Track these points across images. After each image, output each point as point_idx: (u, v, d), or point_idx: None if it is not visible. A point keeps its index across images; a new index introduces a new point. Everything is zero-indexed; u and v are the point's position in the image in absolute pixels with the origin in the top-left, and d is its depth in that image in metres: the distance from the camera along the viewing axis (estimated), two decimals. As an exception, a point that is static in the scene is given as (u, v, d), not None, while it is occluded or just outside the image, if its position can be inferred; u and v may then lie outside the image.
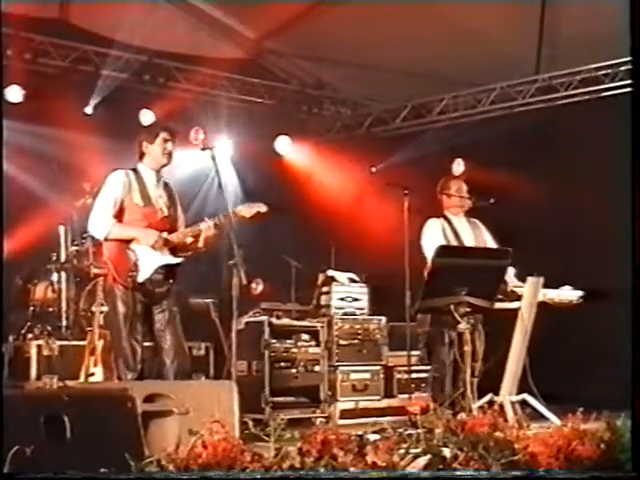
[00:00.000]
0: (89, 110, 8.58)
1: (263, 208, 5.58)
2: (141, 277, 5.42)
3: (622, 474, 3.40)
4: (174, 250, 5.56)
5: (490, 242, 6.90)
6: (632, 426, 3.53)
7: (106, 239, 5.49)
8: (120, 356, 5.45)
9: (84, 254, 7.43)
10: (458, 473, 3.08)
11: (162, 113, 8.66)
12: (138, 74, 8.73)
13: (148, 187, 5.60)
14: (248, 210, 5.53)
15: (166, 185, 5.73)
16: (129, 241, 5.48)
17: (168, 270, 5.51)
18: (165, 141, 5.59)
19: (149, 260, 5.46)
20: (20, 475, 2.71)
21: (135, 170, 5.64)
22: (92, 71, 8.54)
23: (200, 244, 5.50)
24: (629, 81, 8.27)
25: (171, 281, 5.54)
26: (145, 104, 8.79)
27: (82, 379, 6.46)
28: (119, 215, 5.53)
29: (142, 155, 5.65)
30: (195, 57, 9.02)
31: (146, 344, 5.54)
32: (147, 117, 8.80)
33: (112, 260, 5.50)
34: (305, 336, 7.71)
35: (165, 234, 5.51)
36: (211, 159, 5.60)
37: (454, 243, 6.67)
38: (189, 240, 5.53)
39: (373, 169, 9.71)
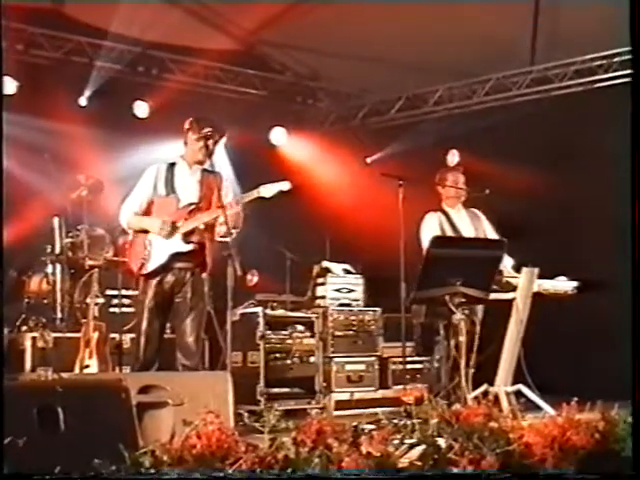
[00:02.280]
0: (83, 101, 8.55)
1: (286, 186, 5.55)
2: (151, 266, 5.48)
3: (622, 474, 3.41)
4: (191, 237, 5.53)
5: (490, 232, 6.90)
6: (632, 426, 3.54)
7: (129, 228, 5.68)
8: (135, 344, 5.62)
9: (79, 246, 7.42)
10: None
11: (156, 104, 8.64)
12: (132, 65, 8.69)
13: (176, 178, 5.63)
14: (268, 190, 5.49)
15: (207, 173, 5.69)
16: (147, 231, 5.57)
17: (185, 258, 5.52)
18: (207, 138, 5.56)
19: (161, 248, 5.50)
20: (20, 475, 2.71)
21: (172, 164, 5.69)
22: (86, 62, 8.50)
23: (225, 227, 5.35)
24: (623, 72, 8.30)
25: (191, 270, 5.55)
26: (139, 95, 8.77)
27: (77, 371, 6.46)
28: (149, 208, 5.63)
29: (185, 143, 5.69)
30: (189, 48, 8.98)
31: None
32: (141, 108, 8.79)
33: (132, 249, 5.65)
34: (300, 327, 7.71)
35: (159, 220, 5.52)
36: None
37: (452, 234, 6.67)
38: (202, 225, 5.48)
39: (368, 160, 9.75)
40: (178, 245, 5.52)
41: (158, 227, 5.50)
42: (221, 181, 5.70)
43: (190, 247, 5.53)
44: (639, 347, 3.57)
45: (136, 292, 5.97)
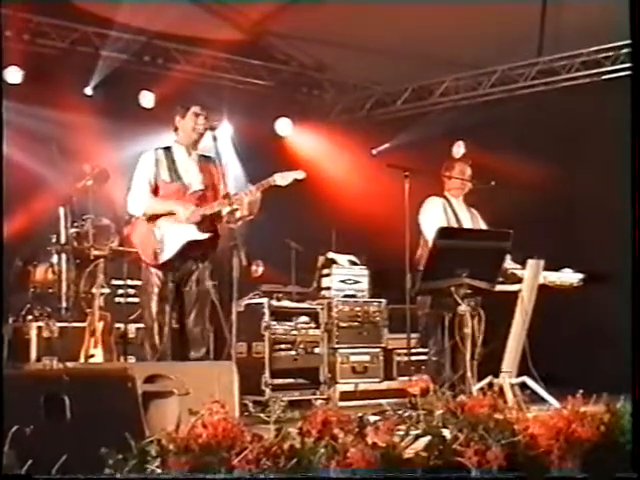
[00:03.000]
0: (89, 91, 8.55)
1: (301, 175, 5.55)
2: (166, 255, 5.46)
3: (622, 474, 3.41)
4: (205, 225, 5.53)
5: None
6: (633, 425, 3.54)
7: (145, 215, 5.56)
8: (147, 335, 5.55)
9: (84, 236, 7.43)
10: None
11: (162, 94, 8.64)
12: (138, 55, 8.69)
13: (178, 163, 5.63)
14: (284, 179, 5.49)
15: (205, 159, 5.71)
16: (156, 219, 5.52)
17: (197, 247, 5.52)
18: (196, 115, 5.60)
19: (175, 237, 5.48)
20: (20, 475, 2.71)
21: (167, 148, 5.67)
22: (92, 52, 8.50)
23: (245, 212, 5.41)
24: (630, 64, 8.27)
25: (201, 259, 5.56)
26: (145, 85, 8.77)
27: (82, 361, 6.48)
28: (155, 192, 5.61)
29: (176, 130, 5.70)
30: (195, 38, 8.97)
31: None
32: (147, 98, 8.78)
33: (139, 239, 5.61)
34: (305, 318, 7.72)
35: (192, 209, 5.50)
36: (212, 140, 5.58)
37: (453, 222, 6.67)
38: (226, 210, 5.40)
39: (374, 151, 9.73)
40: (194, 233, 5.50)
41: (187, 213, 5.46)
42: (217, 167, 5.68)
43: (207, 235, 5.52)
44: (639, 345, 3.56)
45: (141, 282, 5.94)
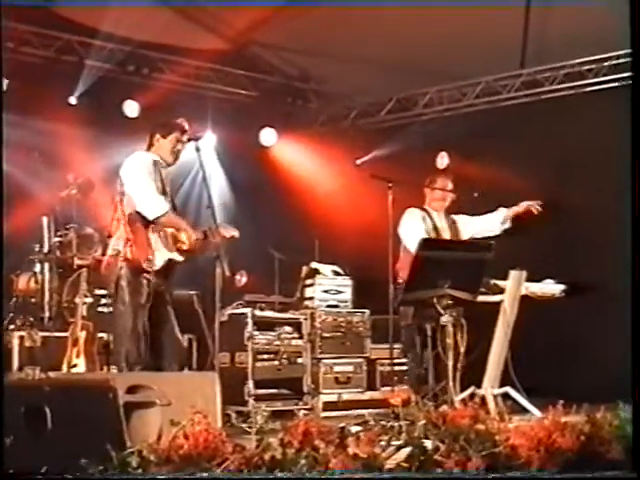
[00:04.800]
0: (73, 100, 8.54)
1: (236, 234, 5.60)
2: (154, 266, 5.40)
3: (622, 474, 3.44)
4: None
5: (465, 235, 6.93)
6: (632, 425, 3.57)
7: (158, 219, 5.38)
8: (123, 345, 5.44)
9: (67, 245, 7.41)
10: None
11: (146, 104, 8.63)
12: (122, 65, 8.68)
13: (165, 180, 5.57)
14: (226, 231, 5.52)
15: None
16: (147, 228, 5.41)
17: (172, 266, 5.51)
18: (177, 141, 5.55)
19: (161, 252, 5.44)
20: (20, 475, 2.71)
21: (154, 158, 5.56)
22: (76, 61, 8.49)
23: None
24: (613, 76, 8.35)
25: (172, 277, 5.56)
26: (129, 95, 8.77)
27: (64, 370, 6.45)
28: None
29: (150, 146, 5.60)
30: (179, 48, 8.98)
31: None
32: (131, 108, 8.78)
33: (133, 243, 5.42)
34: (288, 328, 7.72)
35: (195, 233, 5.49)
36: (195, 151, 5.57)
37: (432, 233, 6.70)
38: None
39: (358, 162, 9.75)
40: (175, 254, 5.49)
41: (195, 238, 5.44)
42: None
43: (182, 258, 5.53)
44: (639, 347, 3.59)
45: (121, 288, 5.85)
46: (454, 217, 6.95)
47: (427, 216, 6.81)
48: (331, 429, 3.15)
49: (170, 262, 5.46)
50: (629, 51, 7.84)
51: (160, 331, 5.51)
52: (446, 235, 6.79)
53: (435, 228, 6.78)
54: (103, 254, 7.30)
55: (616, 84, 8.36)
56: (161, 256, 5.43)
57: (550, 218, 8.36)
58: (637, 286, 3.61)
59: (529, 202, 6.80)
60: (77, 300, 6.84)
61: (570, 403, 3.90)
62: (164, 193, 5.52)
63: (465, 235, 6.92)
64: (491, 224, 6.91)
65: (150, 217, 5.39)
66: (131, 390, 4.16)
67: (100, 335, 6.94)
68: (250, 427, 3.07)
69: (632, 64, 3.92)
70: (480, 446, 3.21)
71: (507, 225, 6.91)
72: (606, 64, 8.39)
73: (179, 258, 5.50)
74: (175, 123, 5.64)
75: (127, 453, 2.77)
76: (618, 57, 8.27)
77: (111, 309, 7.01)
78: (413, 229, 6.58)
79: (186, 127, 5.65)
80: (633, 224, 3.66)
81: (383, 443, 3.27)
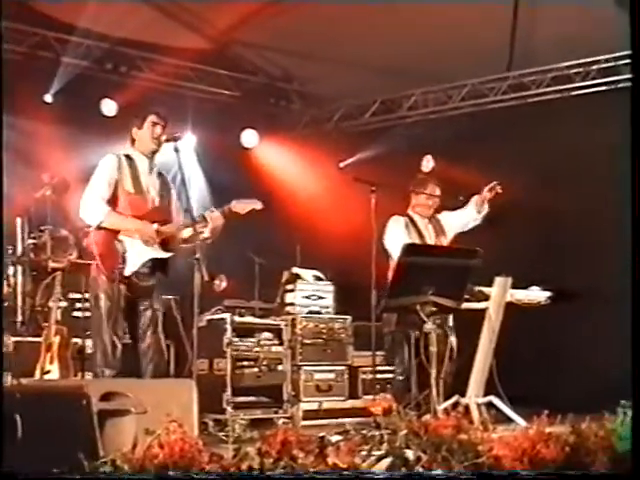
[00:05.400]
0: (49, 98, 8.49)
1: (258, 206, 5.58)
2: (128, 270, 5.40)
3: (622, 474, 3.45)
4: (165, 243, 5.51)
5: (451, 231, 6.96)
6: (632, 425, 3.59)
7: (99, 227, 5.42)
8: (99, 351, 5.43)
9: (42, 247, 7.37)
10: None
11: (124, 102, 8.60)
12: (100, 62, 8.65)
13: (140, 174, 5.57)
14: (241, 208, 5.51)
15: (160, 174, 5.69)
16: (118, 231, 5.43)
17: (156, 265, 5.49)
18: (154, 125, 5.57)
19: (138, 253, 5.43)
20: (20, 475, 2.69)
21: (128, 156, 5.60)
22: (52, 58, 8.45)
23: (207, 234, 5.43)
24: (601, 80, 8.40)
25: (158, 276, 5.52)
26: (107, 93, 8.73)
27: (37, 376, 6.41)
28: (113, 201, 5.49)
29: (133, 142, 5.65)
30: (159, 46, 8.95)
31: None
32: (109, 106, 8.75)
33: (99, 250, 5.45)
34: (268, 334, 7.70)
35: (155, 226, 5.47)
36: (174, 152, 5.56)
37: (417, 240, 6.71)
38: (187, 234, 5.46)
39: (341, 165, 9.76)
40: (157, 252, 5.48)
41: (150, 233, 5.42)
42: (169, 182, 5.72)
43: (169, 254, 5.50)
44: (639, 346, 3.61)
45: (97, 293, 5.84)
46: (438, 217, 6.97)
47: (410, 223, 6.83)
48: (310, 439, 3.14)
49: (153, 261, 5.44)
50: (622, 53, 8.00)
51: (143, 335, 5.51)
52: (431, 241, 6.80)
53: (420, 235, 6.79)
54: (79, 257, 7.34)
55: (604, 88, 8.42)
56: (139, 258, 5.42)
57: (536, 223, 8.43)
58: (637, 287, 3.63)
59: (489, 186, 6.87)
60: (51, 304, 6.81)
61: (555, 413, 3.91)
62: (140, 190, 5.52)
63: (451, 233, 6.94)
64: (470, 214, 6.94)
65: (91, 224, 5.44)
66: (106, 397, 4.14)
67: (74, 340, 6.91)
68: (227, 436, 3.05)
69: (632, 65, 3.95)
70: (463, 456, 3.21)
71: (484, 210, 6.93)
72: (594, 67, 8.45)
73: (163, 255, 5.47)
74: (146, 109, 5.70)
75: (100, 463, 2.75)
76: (606, 60, 8.33)
77: (86, 314, 7.05)
78: (397, 238, 6.58)
79: (158, 109, 5.66)
80: (633, 225, 3.68)
81: (364, 453, 3.26)
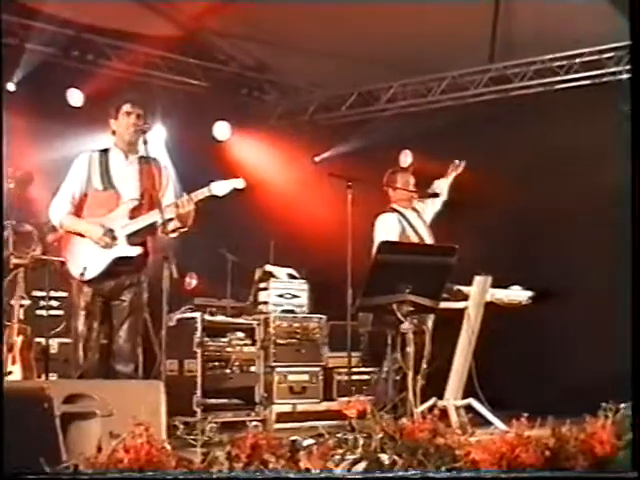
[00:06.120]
0: (11, 87, 8.42)
1: (240, 184, 5.54)
2: (91, 273, 5.40)
3: (623, 474, 3.48)
4: (137, 238, 5.48)
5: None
6: (632, 425, 3.61)
7: (61, 227, 5.53)
8: (71, 351, 5.50)
9: (3, 243, 7.32)
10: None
11: (91, 92, 8.55)
12: (65, 49, 8.59)
13: (112, 169, 5.55)
14: (221, 188, 5.48)
15: (147, 161, 5.62)
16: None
17: (127, 262, 5.46)
18: (128, 114, 5.54)
19: (101, 253, 5.41)
20: (20, 475, 2.68)
21: (104, 150, 5.61)
22: (15, 44, 8.37)
23: (178, 224, 5.43)
24: (585, 73, 8.45)
25: (132, 273, 5.50)
26: (73, 82, 8.67)
27: (-2, 378, 6.37)
28: (81, 202, 5.51)
29: (113, 133, 5.64)
30: (127, 33, 8.90)
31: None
32: (75, 96, 8.69)
33: (66, 250, 5.52)
34: (240, 334, 7.70)
35: (125, 221, 5.45)
36: (143, 144, 5.54)
37: (413, 237, 6.75)
38: (159, 222, 5.39)
39: (316, 159, 9.77)
40: (123, 249, 5.45)
41: (99, 236, 5.39)
42: (160, 171, 5.66)
43: (137, 251, 5.48)
44: (639, 347, 3.64)
45: (65, 294, 5.88)
46: (416, 207, 7.04)
47: (403, 218, 6.87)
48: (281, 442, 3.14)
49: (120, 259, 5.43)
50: (607, 47, 8.05)
51: (115, 335, 5.49)
52: (424, 231, 6.86)
53: (412, 227, 6.85)
54: (43, 252, 7.30)
55: (588, 82, 8.47)
56: (101, 260, 5.41)
57: (518, 220, 8.48)
58: (637, 286, 3.66)
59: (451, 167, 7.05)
60: (13, 302, 6.76)
61: (535, 416, 3.93)
62: (110, 185, 5.51)
63: (428, 218, 7.02)
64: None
65: (55, 225, 5.56)
66: (69, 400, 4.12)
67: (38, 340, 6.87)
68: (195, 439, 3.05)
69: (632, 60, 3.99)
70: (439, 461, 3.23)
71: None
72: (578, 61, 8.49)
73: (130, 253, 5.45)
74: (120, 97, 5.69)
75: (61, 467, 2.74)
76: (591, 54, 8.37)
77: (51, 312, 7.02)
78: (389, 237, 6.60)
79: (131, 97, 5.65)
80: (633, 225, 3.72)
81: (337, 457, 3.27)
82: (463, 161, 7.37)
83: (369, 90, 9.79)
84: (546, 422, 3.91)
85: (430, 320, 6.67)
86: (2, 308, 6.19)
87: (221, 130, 9.83)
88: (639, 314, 3.71)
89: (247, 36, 9.37)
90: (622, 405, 4.01)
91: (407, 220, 6.89)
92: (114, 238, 5.42)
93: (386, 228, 6.81)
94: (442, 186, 7.29)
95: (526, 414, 3.79)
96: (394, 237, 6.65)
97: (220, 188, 5.47)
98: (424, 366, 6.36)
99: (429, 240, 6.97)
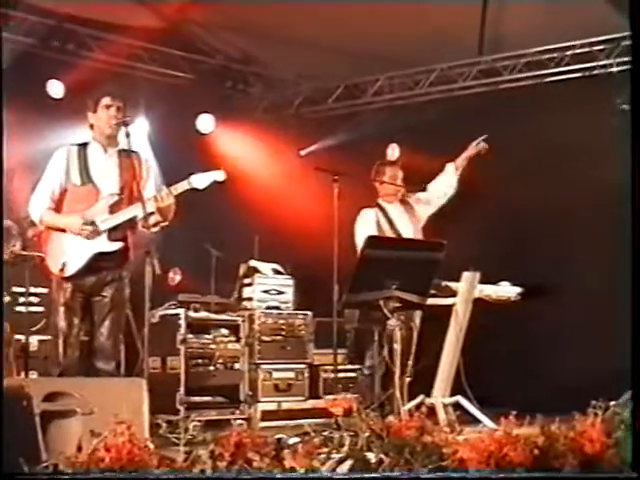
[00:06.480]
0: (-10, 78, 8.38)
1: (221, 176, 5.54)
2: (71, 268, 5.39)
3: (623, 475, 3.50)
4: (118, 233, 5.47)
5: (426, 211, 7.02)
6: (632, 425, 3.63)
7: (41, 223, 5.53)
8: (52, 348, 5.49)
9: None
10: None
11: (72, 84, 8.51)
12: (45, 40, 8.55)
13: (90, 163, 5.54)
14: (202, 181, 5.47)
15: (127, 154, 5.60)
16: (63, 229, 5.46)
17: (107, 258, 5.45)
18: (107, 107, 5.53)
19: (81, 249, 5.41)
20: (20, 475, 2.67)
21: (83, 145, 5.60)
22: (-6, 34, 8.34)
23: (158, 217, 5.42)
24: (576, 66, 8.47)
25: (113, 268, 5.49)
26: (53, 73, 8.63)
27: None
28: (61, 197, 5.51)
29: (91, 127, 5.63)
30: (110, 24, 8.86)
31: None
32: (55, 88, 8.65)
33: (46, 246, 5.53)
34: (224, 331, 7.70)
35: (105, 216, 5.43)
36: (125, 137, 5.52)
37: (389, 234, 6.73)
38: (139, 216, 5.39)
39: (302, 152, 9.76)
40: (103, 244, 5.45)
41: (79, 228, 5.39)
42: (141, 163, 5.65)
43: (117, 246, 5.47)
44: (639, 346, 3.65)
45: (45, 290, 5.87)
46: (410, 201, 7.00)
47: (382, 214, 6.86)
48: (266, 441, 3.14)
49: (100, 255, 5.42)
50: (598, 39, 8.06)
51: (97, 331, 5.49)
52: (406, 231, 6.83)
53: (392, 225, 6.83)
54: (23, 248, 7.26)
55: (579, 74, 8.48)
56: (83, 254, 5.39)
57: (507, 215, 8.50)
58: (637, 287, 3.67)
59: (475, 142, 6.97)
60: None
61: (524, 414, 3.94)
62: (88, 179, 5.50)
63: (424, 216, 6.98)
64: (448, 180, 7.03)
65: (35, 221, 5.57)
66: (50, 398, 4.11)
67: (17, 337, 6.84)
68: (178, 438, 3.04)
69: (633, 56, 4.00)
70: (426, 459, 3.23)
71: (459, 171, 7.01)
72: (569, 53, 8.50)
73: (111, 248, 5.44)
74: (99, 90, 5.68)
75: (41, 467, 2.73)
76: (582, 46, 8.39)
77: (30, 309, 6.99)
78: (367, 233, 6.60)
79: (111, 90, 5.64)
80: (633, 224, 3.74)
81: (323, 456, 3.27)
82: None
83: (356, 83, 9.78)
84: (535, 420, 3.93)
85: (418, 317, 6.68)
86: (2, 308, 6.16)
87: (205, 123, 9.81)
88: (639, 313, 3.72)
89: (232, 28, 9.34)
90: (612, 403, 4.03)
91: (387, 216, 6.87)
92: (96, 230, 5.40)
93: (364, 224, 6.80)
94: (458, 164, 7.13)
95: (515, 412, 3.81)
96: (371, 233, 6.63)
97: (200, 181, 5.46)
98: (411, 363, 6.38)
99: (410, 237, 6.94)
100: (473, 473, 3.20)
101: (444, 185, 7.03)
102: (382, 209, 6.92)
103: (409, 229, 6.90)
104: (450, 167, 7.05)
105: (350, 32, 8.53)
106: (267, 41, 9.34)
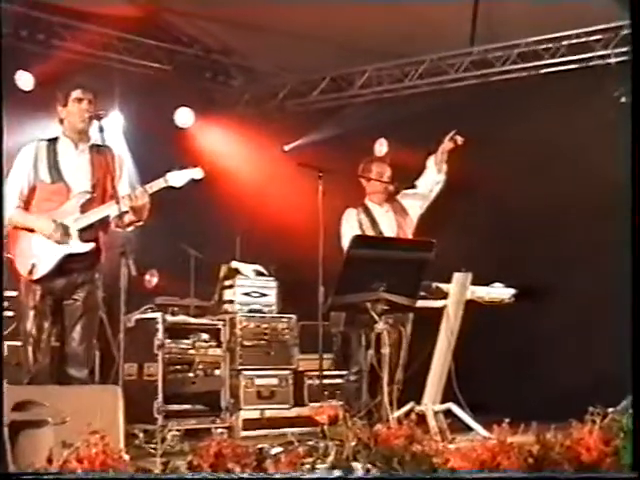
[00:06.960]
0: (-45, 70, 8.36)
1: (198, 174, 5.54)
2: (40, 270, 5.37)
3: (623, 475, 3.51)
4: (89, 233, 5.45)
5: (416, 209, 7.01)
6: (633, 425, 3.64)
7: (10, 223, 5.45)
8: (21, 354, 5.44)
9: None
10: None
11: (42, 75, 8.48)
12: (14, 29, 8.52)
13: (61, 159, 5.52)
14: (178, 179, 5.47)
15: (99, 149, 5.59)
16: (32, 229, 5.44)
17: (78, 259, 5.43)
18: (79, 101, 5.51)
19: (51, 250, 5.39)
20: (20, 475, 2.65)
21: (53, 140, 5.58)
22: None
23: (133, 217, 5.40)
24: (571, 57, 8.49)
25: (85, 270, 5.47)
26: (22, 64, 8.60)
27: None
28: (30, 196, 5.48)
29: (61, 122, 5.61)
30: (82, 12, 8.84)
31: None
32: (24, 79, 8.62)
33: (15, 248, 5.47)
34: (204, 336, 7.69)
35: (76, 215, 5.41)
36: (98, 131, 5.51)
37: (370, 232, 6.72)
38: (112, 215, 5.39)
39: (285, 148, 9.76)
40: (74, 245, 5.43)
41: (50, 230, 5.37)
42: (114, 160, 5.64)
43: (89, 247, 5.45)
44: (639, 347, 3.67)
45: (14, 293, 5.84)
46: (399, 199, 7.00)
47: (365, 214, 6.85)
48: (247, 450, 3.14)
49: (71, 256, 5.40)
50: (594, 28, 8.08)
51: (67, 337, 5.47)
52: (390, 231, 6.82)
53: (375, 225, 6.82)
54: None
55: (575, 66, 8.51)
56: (53, 256, 5.38)
57: (499, 214, 8.52)
58: (638, 287, 3.69)
59: (449, 135, 6.96)
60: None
61: (518, 421, 3.96)
62: (58, 177, 5.48)
63: (415, 214, 6.97)
64: (431, 177, 7.02)
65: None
66: (19, 407, 4.09)
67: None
68: (155, 448, 3.04)
69: (632, 45, 4.01)
70: (416, 469, 3.23)
71: (444, 168, 7.02)
72: (564, 43, 8.52)
73: (82, 249, 5.43)
74: (69, 83, 5.65)
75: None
76: (578, 36, 8.41)
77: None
78: (350, 233, 6.60)
79: (82, 82, 5.62)
80: (633, 224, 3.75)
81: (307, 466, 3.27)
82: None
83: (342, 75, 9.78)
84: (530, 427, 3.94)
85: (407, 320, 6.68)
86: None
87: (183, 117, 9.80)
88: (639, 314, 3.74)
89: (211, 16, 9.33)
90: (610, 409, 4.04)
91: (370, 216, 6.86)
92: (67, 233, 5.39)
93: (348, 224, 6.80)
94: (438, 158, 7.12)
95: (509, 419, 3.82)
96: (353, 233, 6.62)
97: (177, 179, 5.46)
98: (400, 368, 6.38)
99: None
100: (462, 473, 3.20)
101: (430, 181, 7.03)
102: (366, 209, 6.91)
103: (393, 230, 6.87)
104: (431, 162, 7.04)
105: (336, 21, 8.53)
106: (249, 31, 9.34)
